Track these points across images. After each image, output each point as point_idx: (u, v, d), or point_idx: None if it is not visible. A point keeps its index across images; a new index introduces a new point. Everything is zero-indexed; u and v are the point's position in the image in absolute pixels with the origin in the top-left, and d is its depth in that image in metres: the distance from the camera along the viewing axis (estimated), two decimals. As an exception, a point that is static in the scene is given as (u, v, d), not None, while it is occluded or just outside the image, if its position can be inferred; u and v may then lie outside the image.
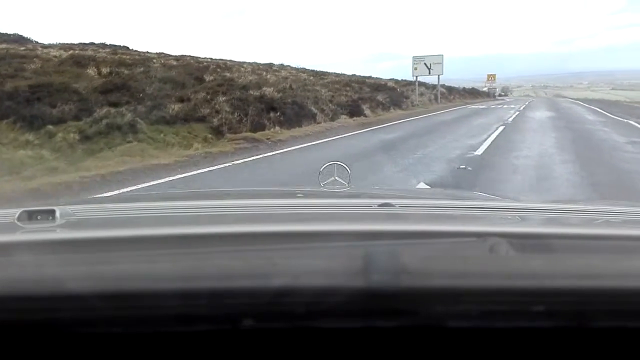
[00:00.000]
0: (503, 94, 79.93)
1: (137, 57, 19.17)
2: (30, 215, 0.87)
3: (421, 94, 31.89)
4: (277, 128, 13.21)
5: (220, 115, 12.65)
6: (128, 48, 23.49)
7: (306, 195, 1.70)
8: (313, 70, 30.36)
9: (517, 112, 23.42)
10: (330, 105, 18.20)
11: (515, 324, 0.53)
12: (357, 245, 0.64)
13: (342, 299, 0.50)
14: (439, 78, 32.93)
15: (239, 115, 13.06)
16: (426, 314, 0.51)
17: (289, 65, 29.69)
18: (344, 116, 17.99)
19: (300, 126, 14.49)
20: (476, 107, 31.86)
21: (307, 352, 0.57)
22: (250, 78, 18.68)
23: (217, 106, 13.19)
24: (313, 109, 16.68)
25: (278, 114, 14.36)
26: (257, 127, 12.91)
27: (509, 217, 1.15)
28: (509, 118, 19.42)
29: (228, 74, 18.52)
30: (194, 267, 0.56)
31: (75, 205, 1.16)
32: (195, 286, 0.51)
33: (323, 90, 20.36)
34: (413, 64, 31.28)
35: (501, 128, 14.75)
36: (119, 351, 0.56)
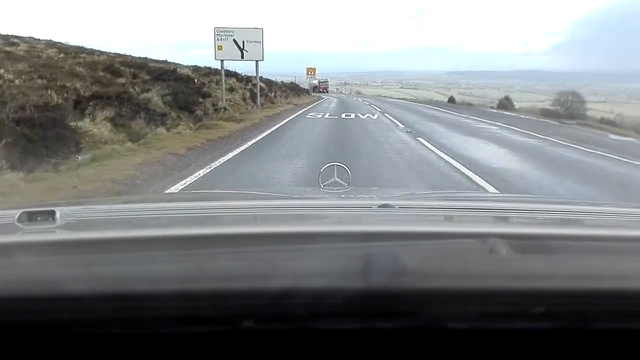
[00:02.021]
0: (320, 90, 72.75)
1: None
2: (30, 216, 0.86)
3: (231, 89, 19.80)
4: None
5: None
6: None
7: (306, 196, 1.71)
8: (79, 47, 20.63)
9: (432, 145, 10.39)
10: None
11: (515, 325, 0.52)
12: (356, 247, 0.63)
13: (342, 300, 0.50)
14: (257, 66, 19.80)
15: None
16: (426, 315, 0.51)
17: (50, 41, 20.69)
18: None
19: None
20: (321, 116, 19.09)
21: (307, 353, 0.56)
22: None
23: None
24: None
25: None
26: None
27: (509, 218, 1.13)
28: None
29: None
30: (194, 268, 0.56)
31: (75, 206, 1.13)
32: (195, 287, 0.51)
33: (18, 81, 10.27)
34: (215, 39, 18.36)
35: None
36: (119, 352, 0.55)
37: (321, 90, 65.61)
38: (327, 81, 75.22)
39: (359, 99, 45.92)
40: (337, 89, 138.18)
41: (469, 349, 0.56)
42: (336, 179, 1.74)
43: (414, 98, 69.25)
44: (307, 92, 46.16)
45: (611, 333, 0.55)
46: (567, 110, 26.53)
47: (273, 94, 27.53)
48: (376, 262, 0.52)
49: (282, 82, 40.68)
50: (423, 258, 0.57)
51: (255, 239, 0.73)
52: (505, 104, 36.54)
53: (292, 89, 39.34)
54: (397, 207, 1.09)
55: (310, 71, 48.20)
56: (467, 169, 7.78)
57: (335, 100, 39.98)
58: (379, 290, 0.50)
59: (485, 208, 1.24)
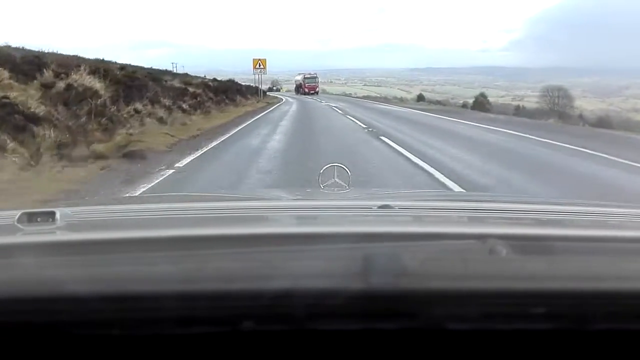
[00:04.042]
0: (275, 88, 68.49)
1: None
2: (30, 217, 0.86)
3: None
4: None
5: None
6: None
7: (306, 197, 1.73)
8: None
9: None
10: None
11: (515, 326, 0.52)
12: (356, 248, 0.63)
13: (342, 301, 0.50)
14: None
15: None
16: (426, 316, 0.51)
17: None
18: None
19: None
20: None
21: (307, 354, 0.56)
22: None
23: None
24: None
25: None
26: None
27: (509, 218, 1.13)
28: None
29: None
30: (194, 269, 0.55)
31: (75, 207, 1.14)
32: (195, 288, 0.51)
33: None
34: None
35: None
36: (118, 353, 0.55)
37: (307, 91, 50.26)
38: (315, 77, 54.19)
39: (331, 104, 31.33)
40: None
41: (469, 349, 0.55)
42: (336, 179, 1.74)
43: (379, 95, 67.02)
44: (257, 92, 34.08)
45: (611, 334, 0.55)
46: (555, 107, 25.64)
47: (168, 109, 13.03)
48: (376, 262, 0.52)
49: (212, 79, 28.38)
50: (423, 259, 0.57)
51: (255, 240, 0.72)
52: (482, 101, 34.73)
53: (222, 91, 23.93)
54: (397, 207, 1.09)
55: (259, 63, 35.97)
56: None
57: (294, 107, 26.93)
58: (379, 291, 0.50)
59: (485, 208, 1.24)
